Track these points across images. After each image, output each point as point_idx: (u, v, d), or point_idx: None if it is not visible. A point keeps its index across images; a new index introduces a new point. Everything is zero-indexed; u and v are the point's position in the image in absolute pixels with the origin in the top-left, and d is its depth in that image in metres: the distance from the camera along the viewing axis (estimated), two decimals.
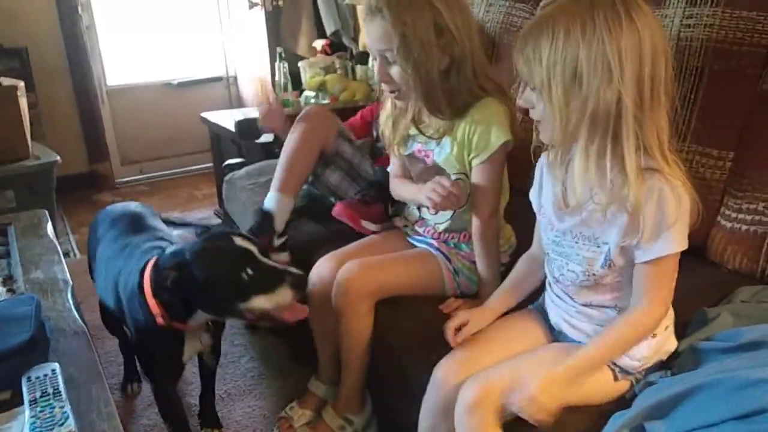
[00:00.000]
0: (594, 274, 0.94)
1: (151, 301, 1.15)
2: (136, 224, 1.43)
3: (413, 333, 1.22)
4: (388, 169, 1.50)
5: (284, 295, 1.10)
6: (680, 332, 1.01)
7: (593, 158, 0.87)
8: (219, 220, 2.94)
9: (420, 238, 1.41)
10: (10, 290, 1.28)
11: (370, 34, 1.22)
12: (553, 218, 1.00)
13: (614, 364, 0.96)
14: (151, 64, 3.72)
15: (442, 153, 1.28)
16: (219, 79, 3.87)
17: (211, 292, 1.11)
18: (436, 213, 1.33)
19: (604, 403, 0.95)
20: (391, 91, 1.26)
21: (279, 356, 1.85)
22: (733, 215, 1.20)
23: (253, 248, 1.13)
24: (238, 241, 1.14)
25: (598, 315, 0.98)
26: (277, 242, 1.56)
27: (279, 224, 1.55)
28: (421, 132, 1.30)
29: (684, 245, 0.86)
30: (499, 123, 1.22)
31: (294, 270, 1.12)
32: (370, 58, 1.26)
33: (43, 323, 1.06)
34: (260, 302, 1.10)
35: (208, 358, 1.44)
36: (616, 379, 0.96)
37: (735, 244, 1.20)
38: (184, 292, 1.12)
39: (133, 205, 1.54)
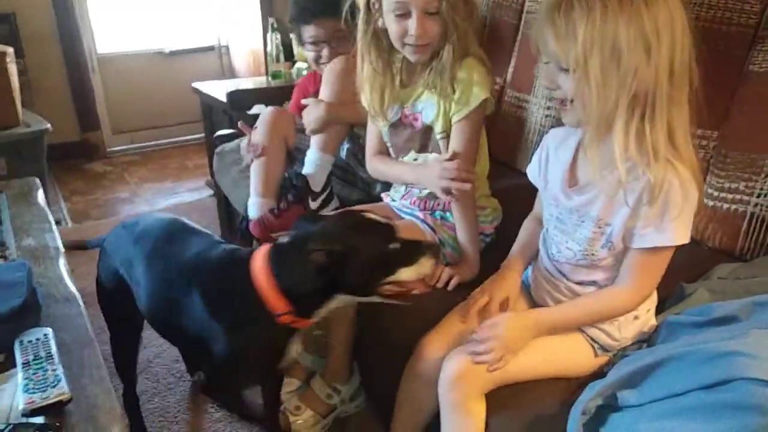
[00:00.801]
0: (593, 254, 0.95)
1: (274, 297, 1.04)
2: (184, 231, 1.26)
3: (398, 305, 1.24)
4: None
5: (427, 264, 1.05)
6: (659, 308, 1.04)
7: (633, 137, 0.84)
8: (211, 191, 2.94)
9: (406, 210, 1.42)
10: (2, 257, 1.30)
11: None
12: (560, 196, 0.99)
13: (594, 340, 0.99)
14: (143, 32, 3.67)
15: (431, 112, 1.29)
16: (211, 48, 3.83)
17: (363, 270, 1.02)
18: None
19: (583, 375, 0.98)
20: (423, 45, 1.22)
21: None
22: (715, 194, 1.23)
23: (386, 221, 1.08)
24: (372, 215, 1.08)
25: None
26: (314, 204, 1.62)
27: None
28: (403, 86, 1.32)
29: (684, 239, 0.87)
30: (481, 81, 1.24)
31: (425, 240, 1.07)
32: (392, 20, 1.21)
33: (34, 289, 1.07)
34: (406, 274, 1.04)
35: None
36: (596, 355, 0.99)
37: (716, 223, 1.22)
38: (330, 275, 1.02)
39: (167, 217, 1.33)
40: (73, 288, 1.19)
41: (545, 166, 1.05)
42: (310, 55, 1.75)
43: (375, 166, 1.44)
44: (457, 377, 0.94)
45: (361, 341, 1.37)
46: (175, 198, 2.96)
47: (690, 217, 0.87)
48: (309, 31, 1.70)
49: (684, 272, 1.12)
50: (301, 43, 1.78)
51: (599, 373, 0.96)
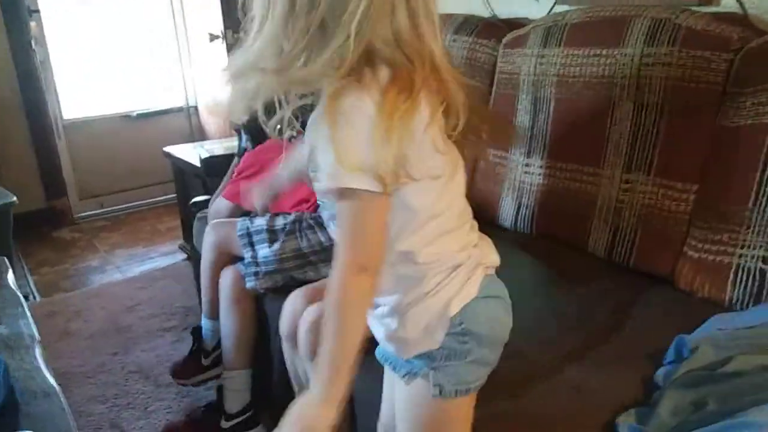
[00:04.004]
0: None
1: None
2: None
3: None
4: None
5: None
6: (658, 360, 1.04)
7: None
8: (184, 255, 2.88)
9: None
10: None
11: None
12: None
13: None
14: (110, 96, 3.65)
15: None
16: (180, 109, 3.82)
17: None
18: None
19: None
20: None
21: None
22: (699, 245, 1.25)
23: None
24: None
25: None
26: (206, 361, 1.76)
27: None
28: None
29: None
30: None
31: None
32: None
33: (12, 387, 1.02)
34: None
35: None
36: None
37: (703, 274, 1.24)
38: None
39: None
40: (52, 380, 1.12)
41: None
42: None
43: None
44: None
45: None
46: (149, 264, 2.89)
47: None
48: None
49: (677, 323, 1.12)
50: None
51: None
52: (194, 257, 2.22)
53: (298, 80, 0.75)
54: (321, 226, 1.53)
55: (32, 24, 3.17)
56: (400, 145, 0.72)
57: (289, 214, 1.57)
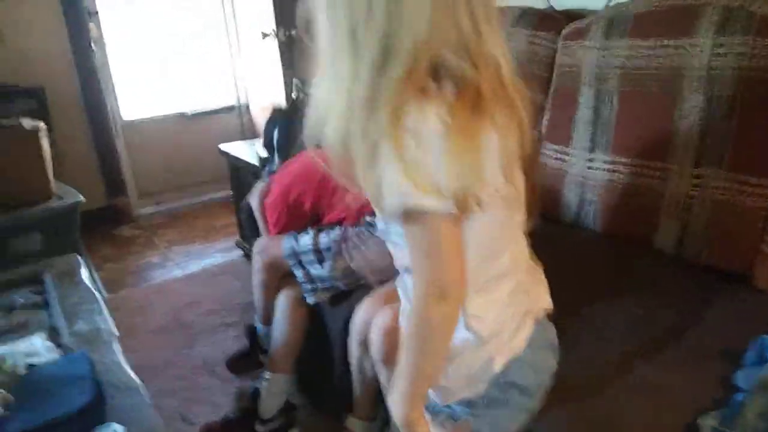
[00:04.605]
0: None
1: None
2: None
3: None
4: None
5: None
6: (735, 361, 1.01)
7: None
8: (241, 252, 2.94)
9: None
10: (58, 345, 1.28)
11: None
12: None
13: None
14: (165, 96, 3.75)
15: None
16: (231, 108, 3.90)
17: None
18: None
19: None
20: None
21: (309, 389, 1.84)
22: None
23: None
24: None
25: None
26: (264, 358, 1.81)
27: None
28: None
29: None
30: None
31: None
32: None
33: (99, 382, 1.06)
34: None
35: None
36: None
37: None
38: None
39: None
40: (133, 374, 1.17)
41: None
42: None
43: None
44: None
45: None
46: (206, 260, 2.96)
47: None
48: None
49: (755, 323, 1.10)
50: None
51: None
52: (251, 254, 2.26)
53: (365, 99, 0.69)
54: (365, 242, 1.52)
55: (91, 26, 3.28)
56: (475, 167, 0.67)
57: (332, 229, 1.56)
